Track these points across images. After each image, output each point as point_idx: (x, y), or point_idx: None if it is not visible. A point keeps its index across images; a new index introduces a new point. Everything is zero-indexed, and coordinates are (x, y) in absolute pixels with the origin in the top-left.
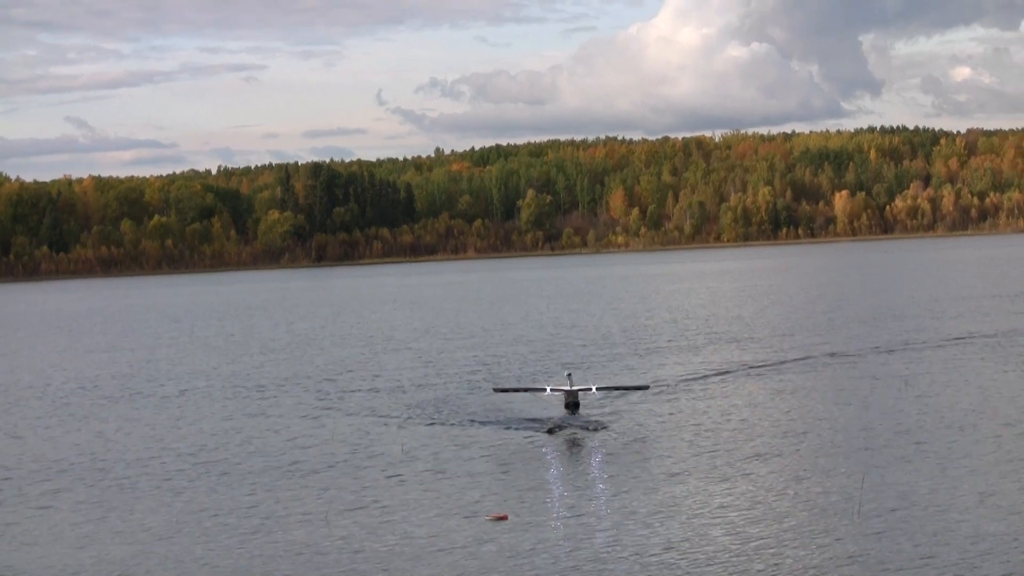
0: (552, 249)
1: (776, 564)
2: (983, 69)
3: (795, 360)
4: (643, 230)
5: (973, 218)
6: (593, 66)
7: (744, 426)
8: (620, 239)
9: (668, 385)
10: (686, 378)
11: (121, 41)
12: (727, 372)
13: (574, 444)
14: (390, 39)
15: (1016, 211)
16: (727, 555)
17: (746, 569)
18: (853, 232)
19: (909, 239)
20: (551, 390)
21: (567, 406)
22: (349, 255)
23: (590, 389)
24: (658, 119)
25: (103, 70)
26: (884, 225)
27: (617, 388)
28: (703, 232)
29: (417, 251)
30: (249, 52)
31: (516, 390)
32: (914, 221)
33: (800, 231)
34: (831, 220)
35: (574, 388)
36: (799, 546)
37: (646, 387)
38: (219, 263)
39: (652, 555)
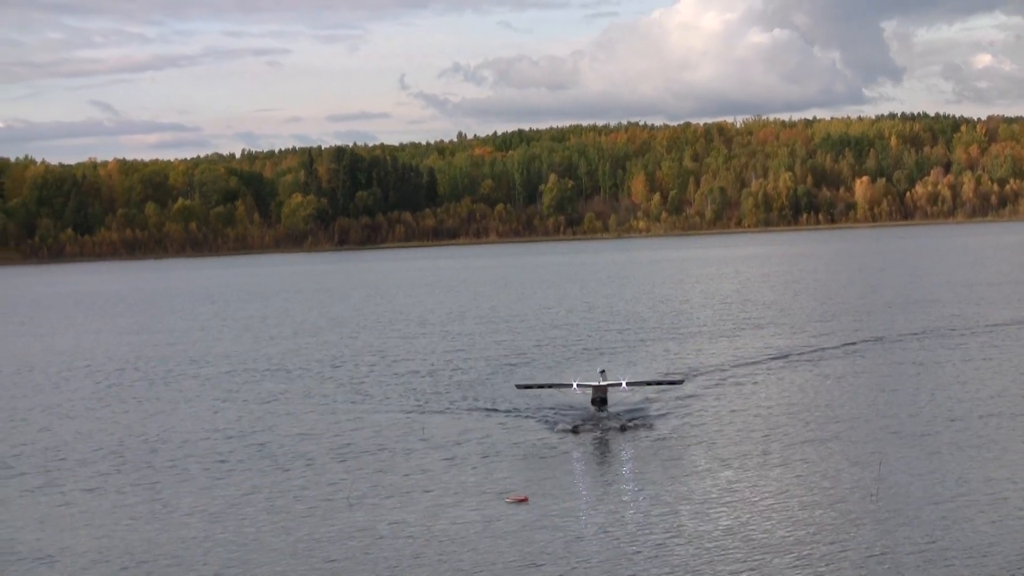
0: (574, 234)
1: (793, 552)
2: (1004, 56)
3: (829, 348)
4: (664, 215)
5: (993, 204)
6: (615, 51)
7: (772, 415)
8: (641, 224)
9: (702, 374)
10: (718, 367)
11: (145, 25)
12: (760, 361)
13: (597, 437)
14: (413, 24)
15: None
16: (746, 541)
17: (764, 555)
18: (873, 218)
19: (929, 225)
20: (577, 385)
21: (594, 402)
22: (371, 239)
23: (620, 384)
24: (680, 104)
25: (128, 54)
26: (904, 211)
27: (649, 383)
28: (724, 217)
29: (439, 235)
30: (272, 36)
31: (540, 386)
32: (934, 207)
33: (820, 217)
34: (851, 206)
35: (603, 384)
36: (815, 533)
37: (680, 382)
38: (242, 246)
39: (671, 539)
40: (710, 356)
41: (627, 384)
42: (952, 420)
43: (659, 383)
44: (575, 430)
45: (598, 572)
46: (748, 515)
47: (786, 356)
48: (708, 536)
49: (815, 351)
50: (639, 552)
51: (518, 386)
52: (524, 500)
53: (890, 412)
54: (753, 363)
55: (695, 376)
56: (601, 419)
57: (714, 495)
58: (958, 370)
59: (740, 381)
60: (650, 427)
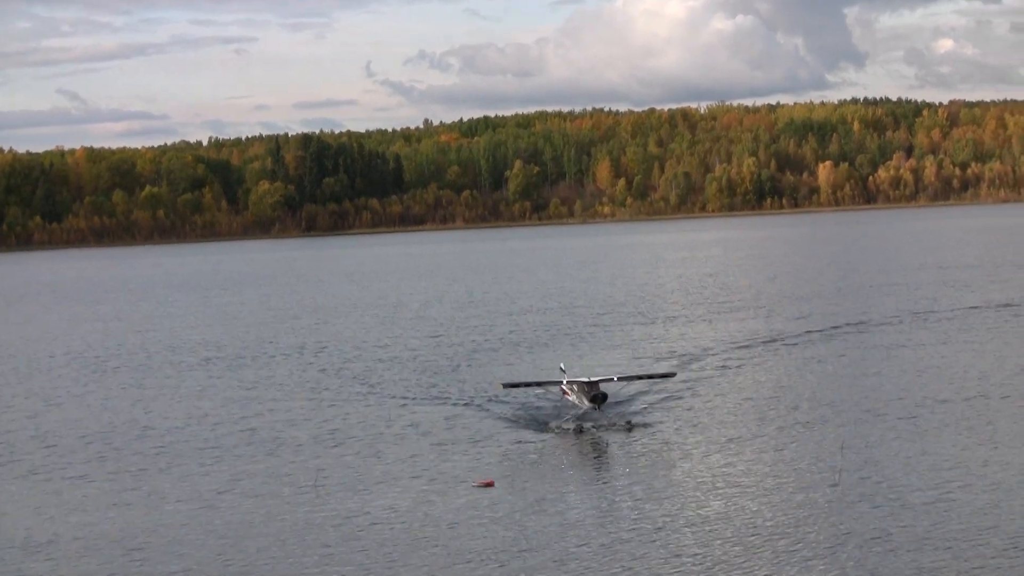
0: (539, 219)
1: (756, 535)
2: (965, 41)
3: (809, 332)
4: (629, 200)
5: (955, 188)
6: (580, 38)
7: (754, 400)
8: (606, 209)
9: (684, 359)
10: (698, 353)
11: (113, 14)
12: (740, 346)
13: (596, 435)
14: (379, 11)
15: (997, 181)
16: (717, 528)
17: (731, 538)
18: (836, 202)
19: (892, 209)
20: (567, 382)
21: (593, 399)
22: (338, 225)
23: (611, 379)
24: (645, 91)
25: (95, 43)
26: (867, 195)
27: (640, 377)
28: (688, 202)
29: (406, 221)
30: (240, 24)
31: (528, 385)
32: (896, 191)
33: (784, 201)
34: (814, 190)
35: (594, 379)
36: (779, 515)
37: (672, 375)
38: (210, 233)
39: (635, 521)
40: (690, 341)
41: (618, 379)
42: (938, 402)
43: (651, 376)
44: (579, 430)
45: (559, 553)
46: (729, 501)
47: (765, 341)
48: (676, 522)
49: (795, 335)
50: (603, 533)
51: (505, 385)
52: (490, 484)
53: (874, 396)
54: (733, 348)
55: (677, 361)
56: (602, 417)
57: (699, 481)
58: (937, 353)
59: (722, 366)
60: (649, 424)
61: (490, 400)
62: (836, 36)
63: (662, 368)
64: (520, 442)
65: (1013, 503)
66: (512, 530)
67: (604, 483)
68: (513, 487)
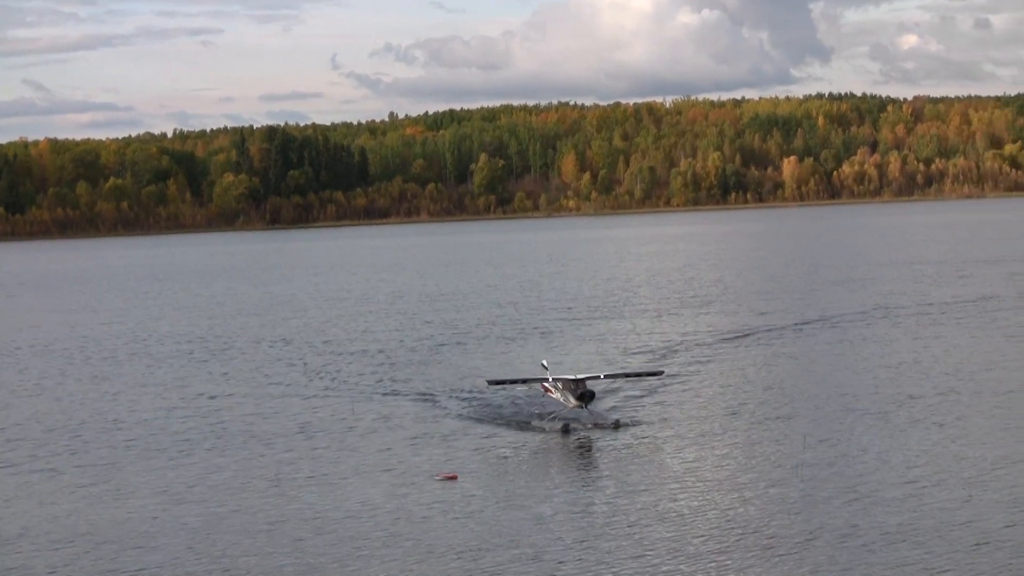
0: (504, 213)
1: (731, 530)
2: (930, 37)
3: (780, 327)
4: (594, 194)
5: (919, 184)
6: (547, 31)
7: (728, 395)
8: (571, 203)
9: (656, 353)
10: (670, 347)
11: (79, 4)
12: (711, 341)
13: (583, 435)
14: (346, 4)
15: (961, 177)
16: (690, 524)
17: (704, 534)
18: (801, 197)
19: (856, 204)
20: (554, 379)
21: (580, 397)
22: (303, 218)
23: (597, 377)
24: (611, 84)
25: (61, 33)
26: (831, 190)
27: (627, 375)
28: (653, 196)
29: (371, 214)
30: (206, 16)
31: (513, 382)
32: (861, 187)
33: (749, 196)
34: (779, 185)
35: (580, 377)
36: (753, 510)
37: (660, 372)
38: (174, 225)
39: (596, 518)
40: (660, 336)
41: (604, 376)
42: (910, 397)
43: (638, 375)
44: (565, 430)
45: (522, 547)
46: (703, 497)
47: (736, 335)
48: (647, 517)
49: (766, 330)
50: (575, 528)
51: (489, 382)
52: (453, 478)
53: (846, 391)
54: (704, 343)
55: (650, 356)
56: (589, 418)
57: (670, 476)
58: (907, 348)
59: (694, 361)
60: (627, 422)
61: (459, 395)
62: (801, 31)
63: (649, 366)
64: (486, 437)
65: (985, 498)
66: (483, 525)
67: (573, 478)
68: (478, 481)
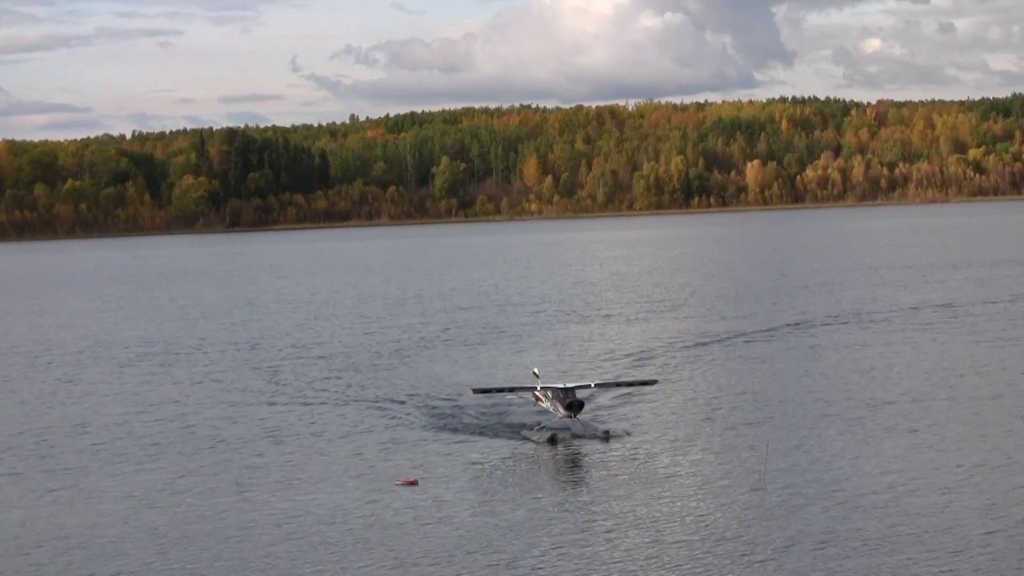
0: (465, 216)
1: (708, 536)
2: (894, 41)
3: (750, 332)
4: (556, 198)
5: (882, 188)
6: (508, 34)
7: (689, 401)
8: (533, 206)
9: (625, 357)
10: (638, 353)
11: (37, 4)
12: (681, 346)
13: (573, 447)
14: (306, 5)
15: (924, 182)
16: (666, 530)
17: (681, 540)
18: (764, 201)
19: (819, 209)
20: (542, 388)
21: (568, 407)
22: (263, 220)
23: (588, 385)
24: (573, 88)
25: (19, 33)
26: (795, 194)
27: (619, 384)
28: (616, 200)
29: (331, 217)
30: (165, 17)
31: (500, 390)
32: (824, 191)
33: (712, 200)
34: (742, 189)
35: (570, 385)
36: (730, 517)
37: (653, 382)
38: (133, 228)
39: (572, 524)
40: (629, 341)
41: (595, 385)
42: (885, 403)
43: (630, 384)
44: (552, 440)
45: (481, 551)
46: (677, 503)
47: (706, 341)
48: (617, 524)
49: (736, 335)
50: (539, 535)
51: (475, 391)
52: (414, 483)
53: (819, 397)
54: (674, 348)
55: (623, 361)
56: (579, 426)
57: (640, 482)
58: (879, 354)
59: (665, 365)
60: (629, 432)
61: (431, 400)
62: (764, 34)
63: (642, 375)
64: (458, 443)
65: (962, 505)
66: (457, 531)
67: (548, 486)
68: (451, 487)
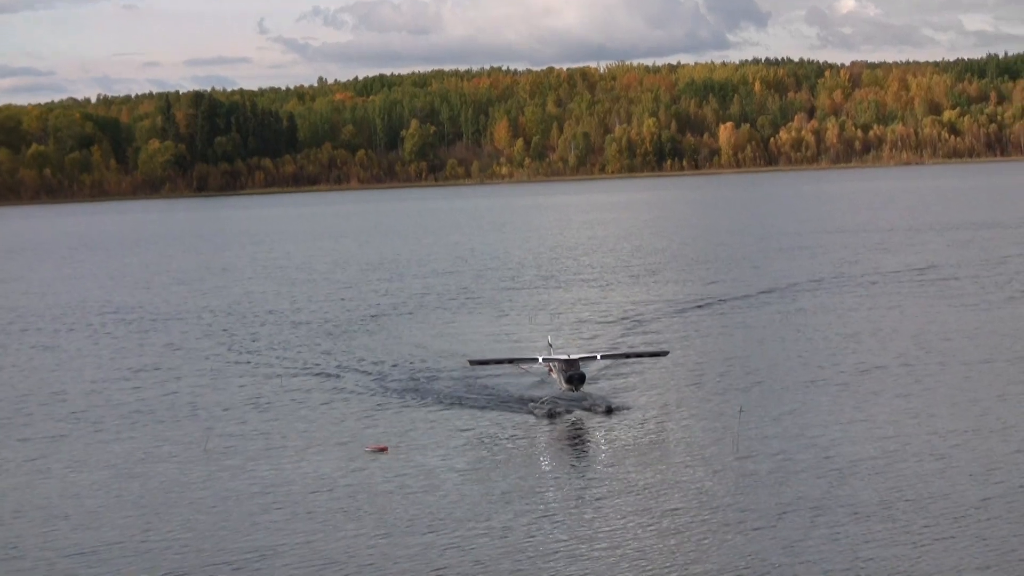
0: (436, 180)
1: (701, 504)
2: (868, 1)
3: (733, 297)
4: (527, 161)
5: (857, 151)
6: None
7: (676, 367)
8: (504, 170)
9: (608, 322)
10: (623, 317)
11: None
12: (664, 312)
13: (572, 422)
14: None
15: (899, 144)
16: (660, 501)
17: (676, 509)
18: (737, 164)
19: (793, 171)
20: (544, 359)
21: (569, 380)
22: (231, 185)
23: (594, 357)
24: (544, 50)
25: None
26: (768, 157)
27: (627, 356)
28: (587, 163)
29: (299, 181)
30: None
31: (498, 362)
32: (798, 153)
33: (684, 163)
34: (715, 152)
35: (574, 357)
36: (721, 484)
37: (664, 353)
38: (99, 193)
39: (566, 492)
40: (611, 305)
41: (601, 357)
42: (875, 367)
43: (639, 355)
44: (550, 415)
45: (473, 519)
46: (672, 472)
47: (690, 305)
48: (609, 492)
49: (720, 299)
50: (531, 503)
51: (472, 362)
52: (384, 450)
53: (809, 361)
54: (658, 313)
55: (608, 326)
56: (580, 400)
57: (631, 449)
58: (865, 318)
59: (650, 331)
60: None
61: (415, 368)
62: None
63: (631, 342)
64: (434, 410)
65: (959, 470)
66: (447, 499)
67: (540, 455)
68: (439, 455)
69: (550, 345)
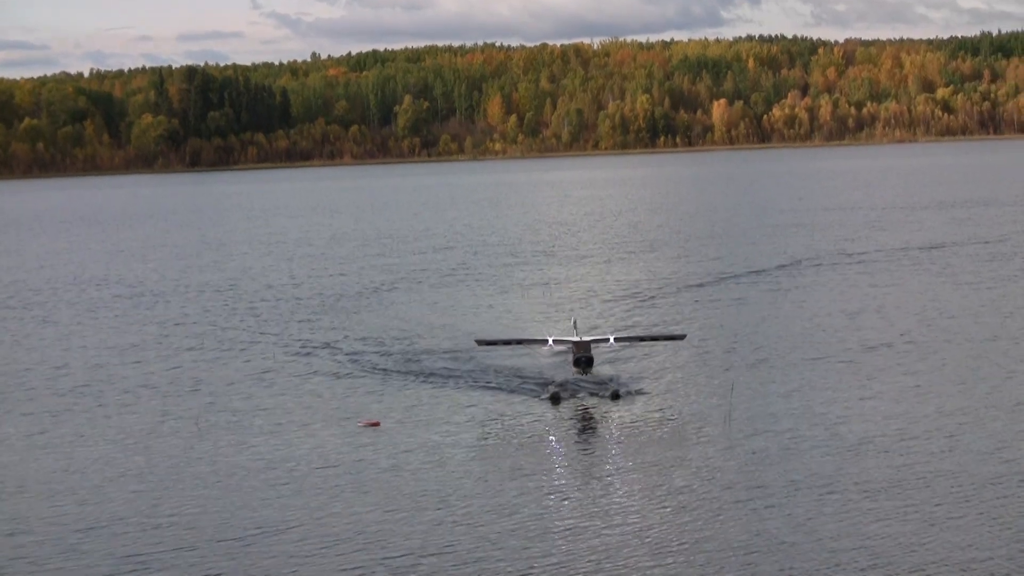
0: (429, 156)
1: (700, 481)
2: None
3: (734, 274)
4: (520, 137)
5: (850, 128)
6: None
7: (683, 345)
8: (497, 146)
9: (608, 299)
10: (624, 294)
11: None
12: (664, 289)
13: (581, 408)
14: None
15: (892, 121)
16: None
17: (680, 487)
18: (731, 141)
19: (786, 148)
20: (553, 341)
21: (577, 363)
22: (224, 160)
23: (607, 340)
24: (537, 25)
25: None
26: (761, 134)
27: (643, 339)
28: (581, 140)
29: (292, 157)
30: None
31: (506, 342)
32: (791, 130)
33: (678, 139)
34: (709, 129)
35: (585, 339)
36: (727, 462)
37: (682, 336)
38: (92, 167)
39: (573, 471)
40: (611, 282)
41: (615, 339)
42: (882, 345)
43: (655, 338)
44: (555, 399)
45: (480, 495)
46: (677, 448)
47: (691, 283)
48: (616, 471)
49: (721, 276)
50: (540, 481)
51: (479, 342)
52: (376, 424)
53: (815, 339)
54: (659, 290)
55: (610, 304)
56: (585, 384)
57: (636, 428)
58: (869, 295)
59: (653, 308)
60: (641, 391)
61: (408, 344)
62: None
63: (668, 329)
64: (438, 386)
65: (969, 448)
66: (454, 476)
67: (544, 435)
68: (445, 432)
69: (575, 327)
